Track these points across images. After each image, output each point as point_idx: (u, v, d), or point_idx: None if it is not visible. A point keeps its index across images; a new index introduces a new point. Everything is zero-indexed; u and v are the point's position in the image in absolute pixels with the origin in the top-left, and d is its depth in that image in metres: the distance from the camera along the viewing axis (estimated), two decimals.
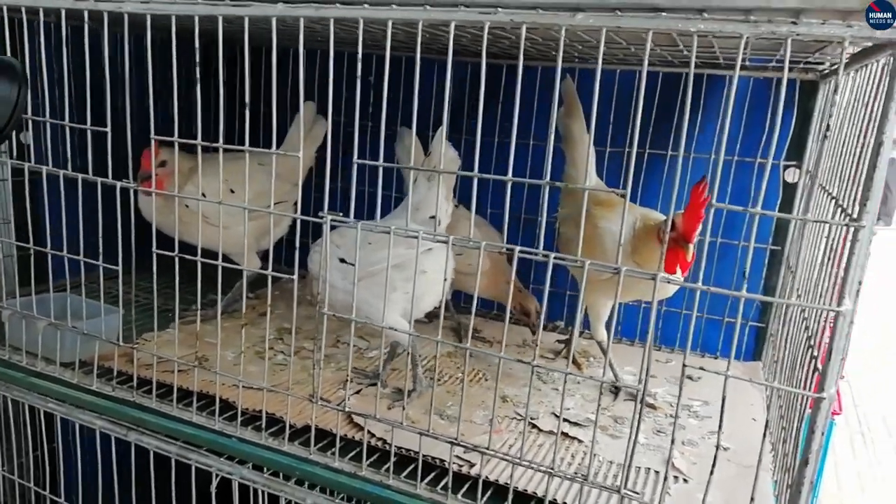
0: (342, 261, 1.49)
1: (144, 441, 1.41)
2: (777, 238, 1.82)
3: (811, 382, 1.03)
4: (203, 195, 1.56)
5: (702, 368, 0.96)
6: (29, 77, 0.52)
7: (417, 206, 1.52)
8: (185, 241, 1.45)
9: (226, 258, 1.34)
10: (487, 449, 1.11)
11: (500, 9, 0.94)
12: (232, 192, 1.70)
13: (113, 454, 1.47)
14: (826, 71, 1.59)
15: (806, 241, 1.55)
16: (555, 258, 1.01)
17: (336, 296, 1.44)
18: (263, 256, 2.11)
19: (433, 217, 1.47)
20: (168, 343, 1.58)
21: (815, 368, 0.99)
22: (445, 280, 1.33)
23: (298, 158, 1.80)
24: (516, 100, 0.99)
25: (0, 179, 1.71)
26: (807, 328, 1.18)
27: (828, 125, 0.87)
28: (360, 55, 1.06)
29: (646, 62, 0.90)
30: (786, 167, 1.78)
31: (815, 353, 1.03)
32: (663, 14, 0.87)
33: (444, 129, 1.24)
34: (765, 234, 1.83)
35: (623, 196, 1.02)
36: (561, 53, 0.94)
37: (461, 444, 1.13)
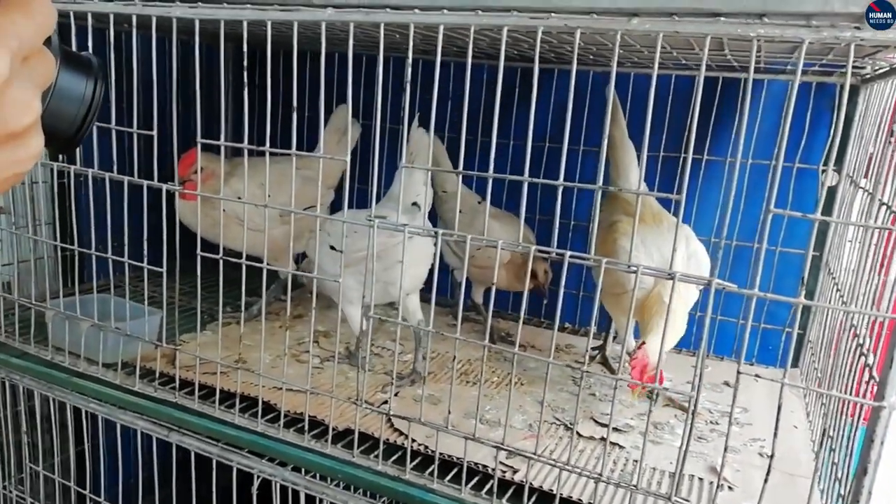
0: (332, 248, 1.52)
1: (186, 442, 1.43)
2: (816, 243, 1.80)
3: (865, 391, 1.02)
4: (240, 198, 1.58)
5: (757, 376, 0.95)
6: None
7: (400, 194, 1.54)
8: (223, 245, 1.46)
9: (260, 260, 1.36)
10: (535, 454, 1.11)
11: (553, 14, 0.94)
12: (269, 195, 1.72)
13: (154, 454, 1.48)
14: (868, 76, 1.57)
15: (846, 247, 1.54)
16: (607, 262, 1.00)
17: (325, 282, 1.49)
18: (297, 259, 2.13)
19: (415, 203, 1.50)
20: (207, 345, 1.60)
21: (871, 377, 0.98)
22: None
23: (334, 162, 1.83)
24: (569, 104, 0.98)
25: (42, 181, 1.73)
26: (856, 335, 1.16)
27: (891, 130, 0.86)
28: (410, 59, 1.06)
29: (703, 68, 0.89)
30: (824, 171, 1.76)
31: (870, 362, 1.02)
32: (722, 19, 0.86)
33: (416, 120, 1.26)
34: (801, 239, 1.81)
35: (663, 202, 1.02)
36: (616, 59, 0.93)
37: (507, 448, 1.13)
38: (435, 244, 1.56)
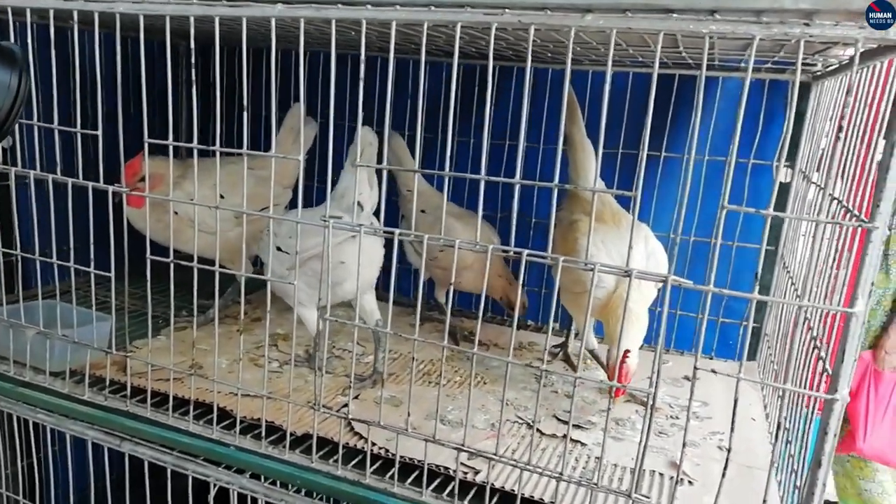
0: (279, 249, 1.50)
1: (139, 451, 1.38)
2: (770, 238, 1.82)
3: (818, 384, 1.03)
4: (192, 201, 1.54)
5: (713, 371, 0.96)
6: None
7: (343, 194, 1.53)
8: (176, 249, 1.42)
9: (215, 263, 1.32)
10: (495, 454, 1.10)
11: (507, 10, 0.93)
12: (222, 197, 1.68)
13: (105, 464, 1.43)
14: (819, 72, 1.60)
15: (800, 241, 1.56)
16: (564, 261, 1.00)
17: (278, 284, 1.48)
18: (255, 261, 2.08)
19: (358, 203, 1.48)
20: (160, 350, 1.55)
21: (825, 370, 0.99)
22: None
23: (290, 161, 1.79)
24: (524, 101, 0.97)
25: None
26: (810, 328, 1.18)
27: (840, 126, 0.87)
28: (363, 56, 1.04)
29: (656, 64, 0.89)
30: (778, 167, 1.79)
31: (823, 355, 1.03)
32: (674, 15, 0.86)
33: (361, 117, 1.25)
34: (758, 234, 1.84)
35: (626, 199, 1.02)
36: (570, 55, 0.93)
37: (467, 450, 1.12)
38: (386, 244, 1.54)
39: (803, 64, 1.49)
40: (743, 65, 1.63)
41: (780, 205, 1.75)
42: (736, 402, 0.93)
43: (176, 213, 1.69)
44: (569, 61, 0.93)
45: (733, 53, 1.48)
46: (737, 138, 0.88)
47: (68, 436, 1.46)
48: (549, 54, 1.71)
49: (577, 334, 1.85)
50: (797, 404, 1.22)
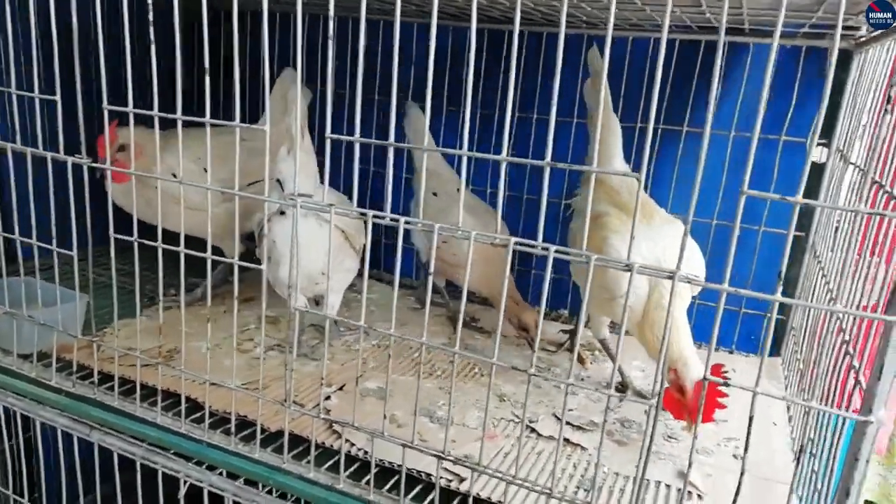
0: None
1: (108, 442, 1.29)
2: (800, 222, 1.67)
3: (850, 396, 0.90)
4: (174, 175, 1.43)
5: (726, 384, 0.83)
6: None
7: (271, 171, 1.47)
8: (164, 226, 1.31)
9: (204, 241, 1.21)
10: (478, 465, 0.99)
11: None
12: (205, 170, 1.57)
13: (75, 453, 1.35)
14: (863, 38, 1.43)
15: (833, 227, 1.41)
16: (556, 251, 0.87)
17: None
18: (250, 237, 1.98)
19: (278, 181, 1.43)
20: (141, 332, 1.46)
21: (857, 383, 0.86)
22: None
23: (281, 132, 1.67)
24: (511, 68, 0.84)
25: None
26: (841, 329, 1.04)
27: (887, 96, 0.72)
28: (332, 13, 0.91)
29: (666, 24, 0.75)
30: (819, 145, 1.63)
31: (856, 364, 0.90)
32: None
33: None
34: (786, 218, 1.67)
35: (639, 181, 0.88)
36: (564, 14, 0.79)
37: (448, 458, 1.00)
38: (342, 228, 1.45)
39: (846, 28, 1.32)
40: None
41: (813, 187, 1.59)
42: (751, 419, 0.80)
43: (156, 187, 1.59)
44: (563, 25, 0.79)
45: (765, 14, 1.32)
46: (761, 112, 0.74)
47: (38, 422, 1.38)
48: (585, 18, 1.56)
49: (586, 323, 1.72)
50: (829, 417, 1.09)
